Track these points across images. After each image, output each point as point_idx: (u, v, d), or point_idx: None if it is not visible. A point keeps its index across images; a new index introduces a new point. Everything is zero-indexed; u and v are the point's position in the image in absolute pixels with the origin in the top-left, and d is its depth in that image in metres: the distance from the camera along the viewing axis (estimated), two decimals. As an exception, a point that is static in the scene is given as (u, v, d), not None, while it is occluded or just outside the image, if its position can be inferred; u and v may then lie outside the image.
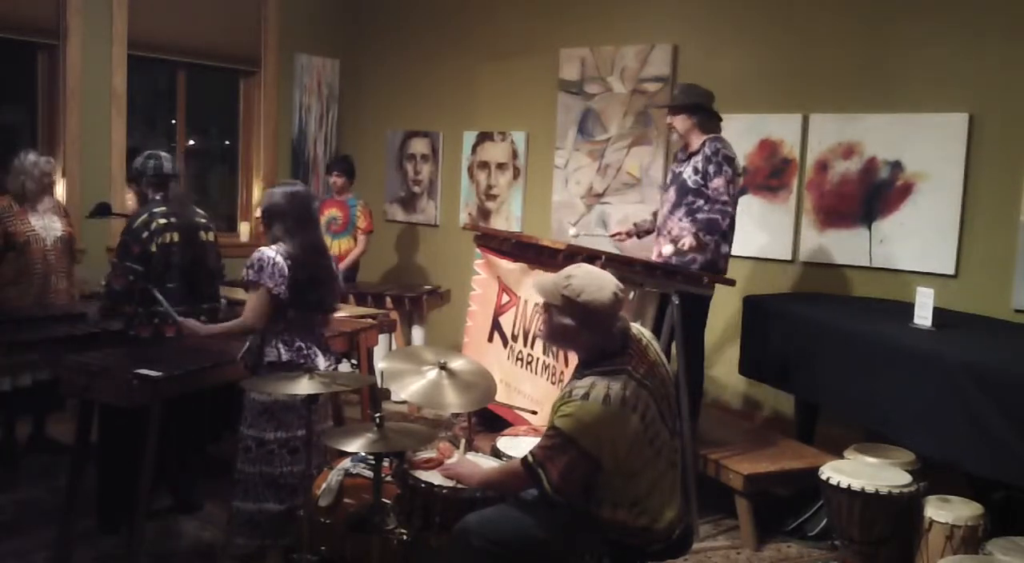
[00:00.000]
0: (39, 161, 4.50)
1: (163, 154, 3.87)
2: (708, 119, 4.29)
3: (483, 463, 3.00)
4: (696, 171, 4.21)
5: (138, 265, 3.65)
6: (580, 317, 2.52)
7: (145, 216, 3.72)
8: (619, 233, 4.66)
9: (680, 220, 4.24)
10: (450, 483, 2.87)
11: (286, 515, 3.28)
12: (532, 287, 2.64)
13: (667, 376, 2.69)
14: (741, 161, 5.18)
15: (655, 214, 4.58)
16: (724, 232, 4.18)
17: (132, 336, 3.73)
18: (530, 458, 2.54)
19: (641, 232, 4.63)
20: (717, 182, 4.13)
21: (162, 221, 3.72)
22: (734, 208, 4.19)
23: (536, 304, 4.43)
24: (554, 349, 4.21)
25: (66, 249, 4.64)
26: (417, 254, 6.97)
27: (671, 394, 2.69)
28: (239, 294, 4.82)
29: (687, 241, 4.07)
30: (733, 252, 5.21)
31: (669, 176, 4.53)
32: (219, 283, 4.04)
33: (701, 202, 4.19)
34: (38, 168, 4.48)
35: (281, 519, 3.28)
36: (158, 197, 3.80)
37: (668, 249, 4.16)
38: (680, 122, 4.30)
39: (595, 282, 2.55)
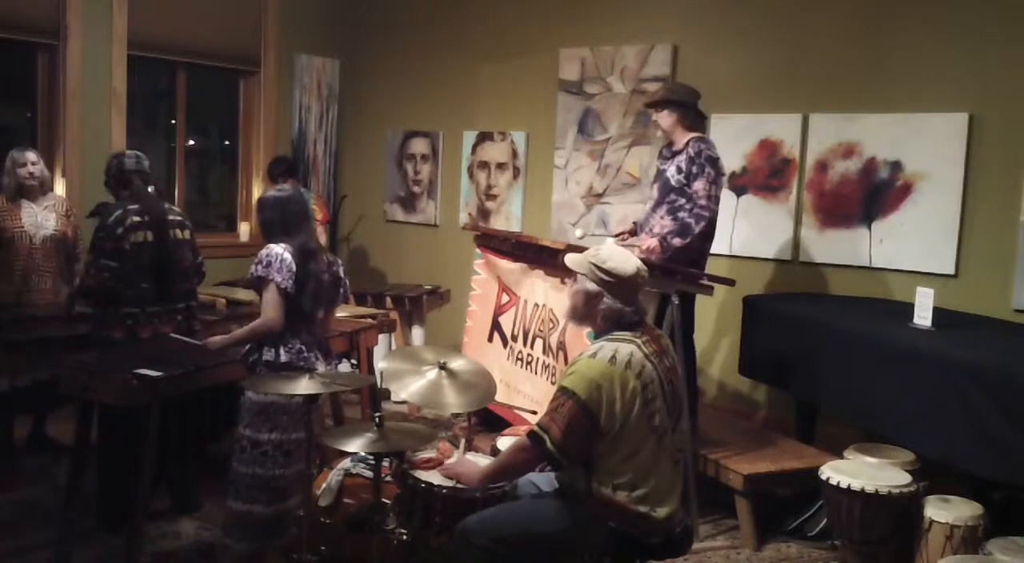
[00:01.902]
0: (13, 154, 4.48)
1: (128, 152, 3.88)
2: (693, 117, 4.32)
3: (482, 462, 3.00)
4: (679, 170, 4.25)
5: (113, 262, 3.64)
6: (604, 283, 2.67)
7: (119, 213, 3.70)
8: (623, 233, 4.67)
9: (662, 218, 4.30)
10: (450, 483, 2.88)
11: (275, 518, 3.28)
12: (564, 261, 2.83)
13: (675, 368, 2.75)
14: (741, 161, 5.22)
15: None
16: (706, 233, 4.22)
17: (105, 336, 3.69)
18: (535, 426, 2.63)
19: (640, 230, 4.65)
20: (697, 184, 4.18)
21: (135, 218, 3.70)
22: (715, 209, 4.23)
23: (536, 304, 4.43)
24: (554, 349, 4.21)
25: (57, 248, 4.59)
26: (417, 254, 6.97)
27: (677, 388, 2.73)
28: (240, 294, 4.83)
29: (651, 244, 4.16)
30: (734, 252, 5.22)
31: (654, 173, 4.57)
32: (196, 281, 4.01)
33: (683, 201, 4.24)
34: (11, 160, 4.46)
35: (270, 522, 3.28)
36: (126, 193, 3.78)
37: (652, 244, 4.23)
38: (664, 118, 4.34)
39: (621, 256, 2.75)
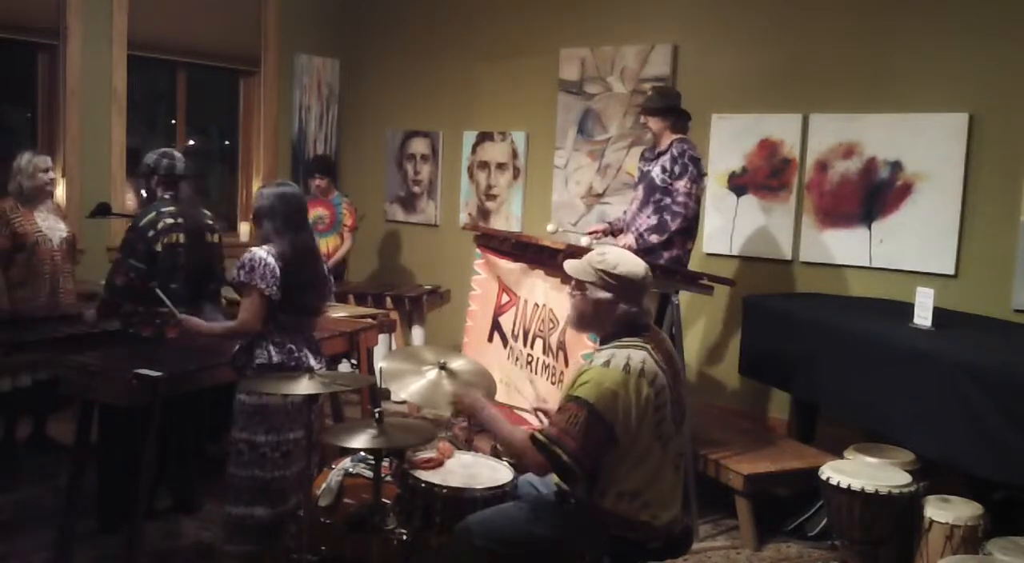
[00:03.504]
0: (34, 159, 4.49)
1: (176, 154, 3.87)
2: (679, 120, 4.51)
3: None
4: (664, 170, 4.40)
5: (141, 263, 3.64)
6: (617, 289, 2.59)
7: (152, 215, 3.71)
8: (596, 231, 4.75)
9: (649, 218, 4.43)
10: (450, 483, 2.87)
11: (276, 520, 3.27)
12: (565, 268, 2.71)
13: (680, 373, 2.72)
14: (741, 161, 5.23)
15: (626, 213, 4.72)
16: (686, 230, 4.38)
17: (132, 334, 3.72)
18: (542, 438, 2.50)
19: (615, 230, 4.72)
20: (679, 183, 4.34)
21: (169, 221, 3.71)
22: (695, 207, 4.37)
23: (536, 304, 4.43)
24: (554, 349, 4.21)
25: (70, 250, 4.64)
26: (417, 254, 6.97)
27: (681, 392, 2.70)
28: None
29: (627, 241, 4.34)
30: (734, 252, 5.23)
31: (637, 175, 4.67)
32: (221, 284, 4.02)
33: (668, 200, 4.39)
34: (32, 165, 4.47)
35: (271, 524, 3.27)
36: (167, 196, 3.79)
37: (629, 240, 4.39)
38: (655, 123, 4.53)
39: (627, 257, 2.67)
